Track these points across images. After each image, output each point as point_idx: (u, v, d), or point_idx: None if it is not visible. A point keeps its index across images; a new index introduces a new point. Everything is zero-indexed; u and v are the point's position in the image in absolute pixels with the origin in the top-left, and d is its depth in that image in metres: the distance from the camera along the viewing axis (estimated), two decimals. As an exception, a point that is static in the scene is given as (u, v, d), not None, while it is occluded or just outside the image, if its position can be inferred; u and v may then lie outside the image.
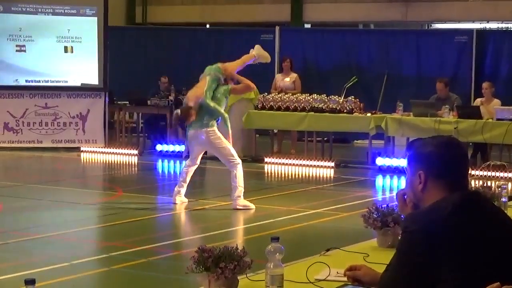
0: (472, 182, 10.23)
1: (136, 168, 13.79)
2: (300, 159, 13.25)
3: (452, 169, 2.84)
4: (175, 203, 9.43)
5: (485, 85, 13.30)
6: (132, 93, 15.77)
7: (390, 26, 19.49)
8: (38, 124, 15.03)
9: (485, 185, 5.72)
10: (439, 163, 2.84)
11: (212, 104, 9.13)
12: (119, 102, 15.89)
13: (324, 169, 12.84)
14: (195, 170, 9.50)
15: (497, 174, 11.62)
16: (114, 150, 14.67)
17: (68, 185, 11.39)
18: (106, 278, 6.59)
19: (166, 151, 14.24)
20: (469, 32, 16.51)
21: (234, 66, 9.58)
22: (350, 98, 13.22)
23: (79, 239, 7.95)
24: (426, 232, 2.68)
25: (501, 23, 19.82)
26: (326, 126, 13.40)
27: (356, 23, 20.34)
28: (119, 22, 20.16)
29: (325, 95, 13.41)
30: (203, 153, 9.65)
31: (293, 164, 13.17)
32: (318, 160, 13.15)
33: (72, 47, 15.20)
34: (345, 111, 13.12)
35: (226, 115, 9.28)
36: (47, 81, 15.15)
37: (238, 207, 9.14)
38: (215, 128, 9.18)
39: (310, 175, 12.54)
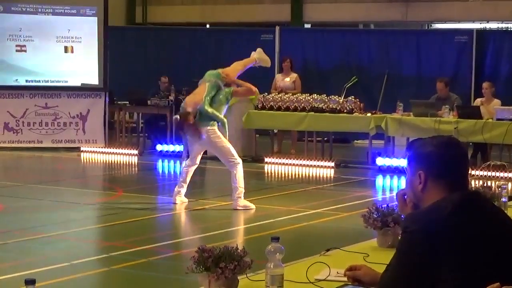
0: (472, 182, 10.23)
1: (136, 168, 13.79)
2: (300, 159, 13.25)
3: (452, 169, 2.84)
4: (175, 203, 9.43)
5: (485, 85, 13.30)
6: (132, 93, 15.77)
7: (390, 26, 19.49)
8: (38, 124, 15.03)
9: (485, 185, 5.72)
10: (439, 163, 2.84)
11: (210, 110, 9.13)
12: (119, 102, 15.89)
13: (324, 169, 12.84)
14: (195, 170, 9.51)
15: (497, 174, 11.62)
16: (114, 150, 14.67)
17: (68, 185, 11.39)
18: (106, 278, 6.59)
19: (166, 151, 14.25)
20: (469, 32, 16.52)
21: (235, 71, 9.56)
22: (350, 98, 13.22)
23: (79, 239, 7.95)
24: (426, 232, 2.68)
25: (501, 23, 19.83)
26: (326, 126, 13.40)
27: (356, 23, 20.34)
28: (119, 22, 20.17)
29: (325, 95, 13.41)
30: (202, 152, 9.65)
31: (293, 164, 13.17)
32: (318, 160, 13.15)
33: (72, 47, 15.20)
34: (345, 111, 13.12)
35: (225, 120, 9.28)
36: (47, 81, 15.16)
37: (238, 207, 9.14)
38: (215, 127, 9.18)
39: (310, 175, 12.54)
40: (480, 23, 19.51)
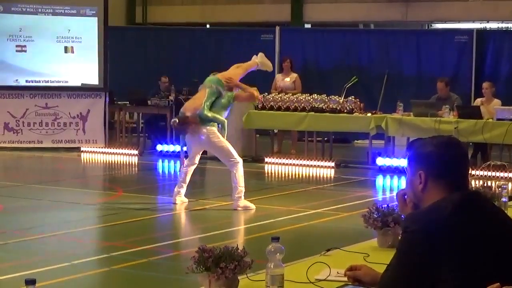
0: (473, 182, 10.23)
1: (136, 168, 13.79)
2: (301, 159, 13.26)
3: (452, 169, 2.84)
4: (175, 203, 9.43)
5: (485, 85, 13.30)
6: (132, 93, 15.77)
7: (390, 26, 19.48)
8: (39, 124, 15.03)
9: (485, 185, 5.72)
10: (439, 163, 2.84)
11: (210, 114, 9.13)
12: (119, 102, 15.90)
13: (324, 169, 12.85)
14: (194, 170, 9.51)
15: (497, 174, 11.62)
16: (114, 150, 14.67)
17: (68, 185, 11.39)
18: (106, 278, 6.59)
19: (167, 151, 14.25)
20: (469, 32, 16.52)
21: (237, 75, 9.55)
22: (350, 98, 13.22)
23: (79, 239, 7.95)
24: (426, 232, 2.68)
25: (501, 23, 19.82)
26: (326, 126, 13.40)
27: (356, 23, 20.33)
28: (119, 22, 20.17)
29: (325, 95, 13.41)
30: (201, 152, 9.65)
31: (294, 164, 13.17)
32: (318, 160, 13.15)
33: (72, 47, 15.20)
34: (345, 111, 13.12)
35: (225, 121, 9.29)
36: (47, 81, 15.16)
37: (238, 207, 9.14)
38: (214, 128, 9.18)
39: (311, 175, 12.54)
40: (480, 23, 19.50)
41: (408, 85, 16.12)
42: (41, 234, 7.86)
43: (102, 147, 14.95)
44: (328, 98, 13.31)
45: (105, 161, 14.25)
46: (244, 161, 9.70)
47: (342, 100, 13.19)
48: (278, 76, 15.27)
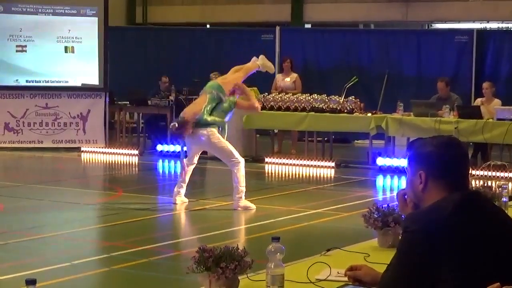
0: (473, 182, 10.22)
1: (136, 168, 13.79)
2: (301, 159, 13.26)
3: (452, 169, 2.84)
4: (175, 203, 9.43)
5: (485, 85, 13.31)
6: (132, 93, 15.77)
7: (390, 26, 19.48)
8: (39, 124, 15.04)
9: (485, 185, 5.72)
10: (439, 163, 2.84)
11: (210, 118, 9.13)
12: (119, 102, 15.90)
13: (324, 169, 12.84)
14: (194, 170, 9.51)
15: (498, 174, 11.62)
16: (115, 150, 14.67)
17: (69, 185, 11.39)
18: (106, 278, 6.59)
19: (167, 151, 14.25)
20: (469, 32, 16.51)
21: (239, 79, 9.53)
22: (350, 98, 13.22)
23: (80, 239, 7.95)
24: (426, 232, 2.68)
25: (501, 23, 19.81)
26: (326, 126, 13.40)
27: (356, 23, 20.34)
28: (119, 22, 20.16)
29: (325, 95, 13.41)
30: (200, 152, 9.64)
31: (294, 164, 13.17)
32: (318, 160, 13.15)
33: (72, 47, 15.21)
34: (345, 111, 13.12)
35: (225, 122, 9.28)
36: (48, 81, 15.16)
37: (239, 208, 9.14)
38: (215, 129, 9.18)
39: (311, 175, 12.54)
40: (480, 23, 19.50)
41: (408, 85, 16.12)
42: (41, 234, 7.86)
43: (102, 147, 14.95)
44: (328, 98, 13.31)
45: (105, 161, 14.25)
46: (244, 161, 9.69)
47: (342, 100, 13.19)
48: (278, 76, 15.27)
